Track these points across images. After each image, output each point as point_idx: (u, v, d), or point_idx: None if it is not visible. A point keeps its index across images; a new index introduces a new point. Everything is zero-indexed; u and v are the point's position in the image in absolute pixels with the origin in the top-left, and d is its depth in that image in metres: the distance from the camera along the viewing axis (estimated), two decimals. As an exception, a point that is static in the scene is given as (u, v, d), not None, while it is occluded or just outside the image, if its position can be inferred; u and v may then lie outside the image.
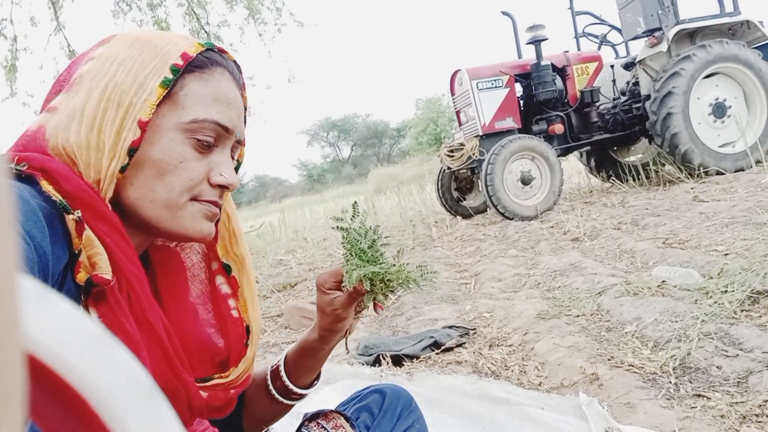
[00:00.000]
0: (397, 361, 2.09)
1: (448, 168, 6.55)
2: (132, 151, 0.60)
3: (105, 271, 0.56)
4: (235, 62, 0.70)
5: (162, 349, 0.63)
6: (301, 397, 0.87)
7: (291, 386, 0.85)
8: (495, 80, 6.04)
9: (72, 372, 0.18)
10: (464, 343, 2.22)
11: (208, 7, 8.01)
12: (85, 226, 0.56)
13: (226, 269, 0.76)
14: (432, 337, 2.18)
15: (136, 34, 0.65)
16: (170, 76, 0.62)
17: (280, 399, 0.86)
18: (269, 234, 7.25)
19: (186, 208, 0.65)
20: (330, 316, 0.81)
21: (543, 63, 6.08)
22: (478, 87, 6.00)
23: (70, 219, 0.55)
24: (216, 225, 0.73)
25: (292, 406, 0.88)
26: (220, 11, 7.95)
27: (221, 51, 0.69)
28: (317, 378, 0.90)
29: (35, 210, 0.52)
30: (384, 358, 2.05)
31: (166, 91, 0.62)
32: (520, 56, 6.45)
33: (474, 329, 2.39)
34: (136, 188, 0.62)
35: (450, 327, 2.37)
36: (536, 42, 6.07)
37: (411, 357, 2.06)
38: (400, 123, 37.31)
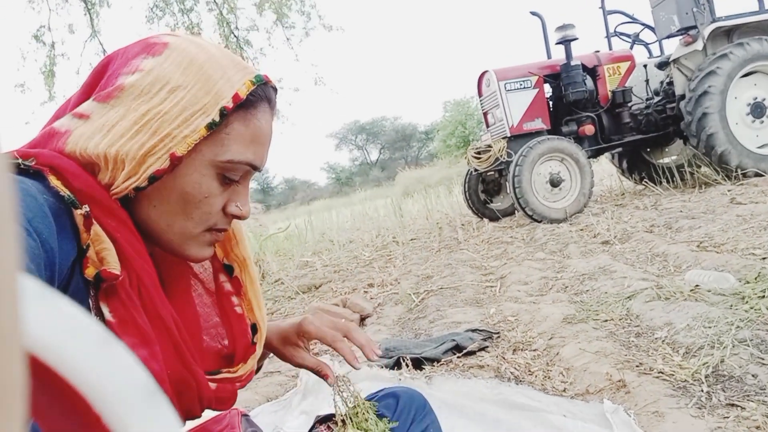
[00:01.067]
0: (418, 364, 2.06)
1: (475, 170, 6.48)
2: (153, 178, 0.59)
3: (113, 266, 0.56)
4: (274, 87, 0.69)
5: (173, 343, 0.63)
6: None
7: None
8: (523, 81, 5.96)
9: (73, 372, 0.19)
10: (487, 346, 2.17)
11: (238, 12, 8.13)
12: (93, 221, 0.56)
13: (228, 270, 0.77)
14: (454, 340, 2.14)
15: (191, 56, 0.61)
16: (218, 119, 0.61)
17: None
18: (296, 236, 7.30)
19: (198, 238, 0.66)
20: (285, 352, 0.84)
21: (573, 63, 5.97)
22: (506, 88, 5.92)
23: (78, 214, 0.55)
24: None
25: None
26: (249, 16, 8.07)
27: (266, 81, 0.66)
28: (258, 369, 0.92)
29: (42, 206, 0.52)
30: (404, 361, 2.02)
31: (209, 132, 0.61)
32: (549, 56, 6.34)
33: (498, 333, 2.34)
34: (157, 210, 0.62)
35: (473, 330, 2.32)
36: (566, 42, 5.96)
37: (432, 360, 2.03)
38: (429, 126, 37.22)
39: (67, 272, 0.54)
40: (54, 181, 0.55)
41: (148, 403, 0.19)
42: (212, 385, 0.69)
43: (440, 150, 25.23)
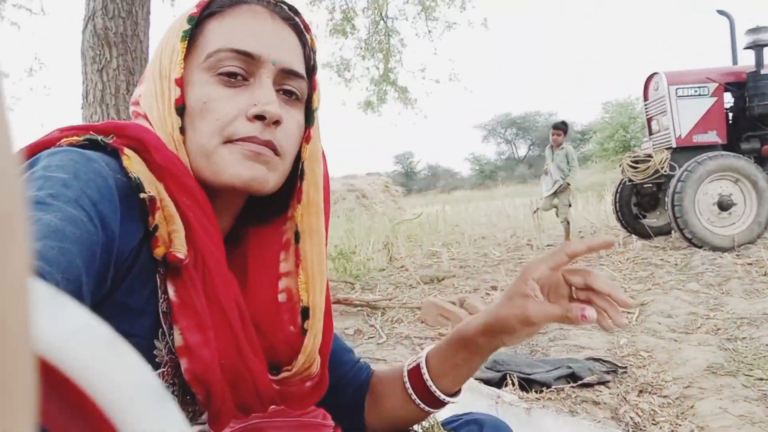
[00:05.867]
0: (526, 384, 1.92)
1: (630, 180, 5.94)
2: (179, 109, 0.60)
3: (179, 248, 0.55)
4: (277, 2, 0.66)
5: (232, 331, 0.60)
6: (440, 404, 0.77)
7: (432, 386, 0.75)
8: (699, 87, 5.28)
9: (82, 376, 0.19)
10: (608, 381, 1.96)
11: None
12: (158, 204, 0.55)
13: (296, 237, 0.68)
14: (570, 367, 1.96)
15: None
16: (187, 27, 0.61)
17: (417, 401, 0.76)
18: (428, 225, 7.30)
19: (218, 152, 0.60)
20: (515, 310, 0.68)
21: (763, 71, 5.15)
22: (677, 93, 5.30)
23: (143, 197, 0.54)
24: (300, 186, 0.68)
25: (426, 413, 0.78)
26: (397, 5, 7.98)
27: None
28: (460, 390, 0.79)
29: (111, 188, 0.52)
30: (510, 379, 1.89)
31: (186, 43, 0.61)
32: (735, 62, 5.55)
33: (624, 368, 2.10)
34: (186, 146, 0.61)
35: (595, 359, 2.12)
36: (757, 47, 5.16)
37: (542, 384, 1.88)
38: (585, 126, 35.00)
39: (131, 252, 0.54)
40: (126, 162, 0.55)
41: (158, 407, 0.19)
42: (276, 386, 0.66)
43: (595, 153, 23.66)
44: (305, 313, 0.67)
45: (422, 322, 2.97)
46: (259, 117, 0.60)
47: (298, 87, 0.66)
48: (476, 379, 1.88)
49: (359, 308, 3.31)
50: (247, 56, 0.61)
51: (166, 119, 0.61)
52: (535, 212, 6.64)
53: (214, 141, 0.60)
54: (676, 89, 5.33)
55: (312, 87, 0.69)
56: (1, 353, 0.13)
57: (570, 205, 6.25)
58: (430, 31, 7.74)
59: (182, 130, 0.61)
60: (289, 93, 0.65)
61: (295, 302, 0.68)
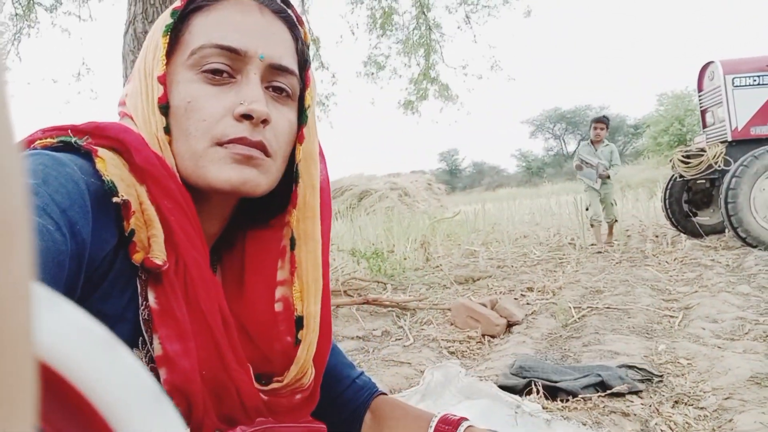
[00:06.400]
0: (553, 392, 1.84)
1: (681, 176, 5.66)
2: (163, 108, 0.58)
3: (157, 254, 0.53)
4: None
5: (213, 341, 0.57)
6: None
7: None
8: (758, 76, 4.98)
9: (79, 378, 0.19)
10: (641, 390, 1.86)
11: None
12: (134, 208, 0.53)
13: (292, 244, 0.66)
14: (599, 375, 1.86)
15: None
16: (170, 21, 0.59)
17: None
18: (468, 223, 7.18)
19: (207, 156, 0.58)
20: None
21: (833, 57, 4.81)
22: (733, 83, 5.02)
23: (115, 201, 0.52)
24: (295, 190, 0.65)
25: None
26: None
27: None
28: None
29: (83, 192, 0.50)
30: (536, 386, 1.81)
31: (168, 38, 0.59)
32: (800, 48, 5.20)
33: (660, 376, 1.99)
34: (172, 147, 0.59)
35: (629, 367, 2.01)
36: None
37: (568, 393, 1.79)
38: (639, 119, 33.72)
39: (106, 258, 0.52)
40: (99, 164, 0.53)
41: (153, 407, 0.19)
42: (263, 397, 0.63)
43: (648, 147, 22.79)
44: (300, 322, 0.65)
45: (452, 324, 2.91)
46: (246, 116, 0.58)
47: (289, 83, 0.63)
48: (499, 386, 1.82)
49: (390, 309, 3.28)
50: (232, 52, 0.59)
51: (150, 119, 0.59)
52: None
53: (202, 144, 0.58)
54: (733, 78, 5.06)
55: (305, 84, 0.66)
56: (2, 355, 0.13)
57: (614, 204, 5.98)
58: (468, 17, 7.49)
59: (167, 130, 0.59)
60: (279, 90, 0.63)
61: (291, 312, 0.65)
